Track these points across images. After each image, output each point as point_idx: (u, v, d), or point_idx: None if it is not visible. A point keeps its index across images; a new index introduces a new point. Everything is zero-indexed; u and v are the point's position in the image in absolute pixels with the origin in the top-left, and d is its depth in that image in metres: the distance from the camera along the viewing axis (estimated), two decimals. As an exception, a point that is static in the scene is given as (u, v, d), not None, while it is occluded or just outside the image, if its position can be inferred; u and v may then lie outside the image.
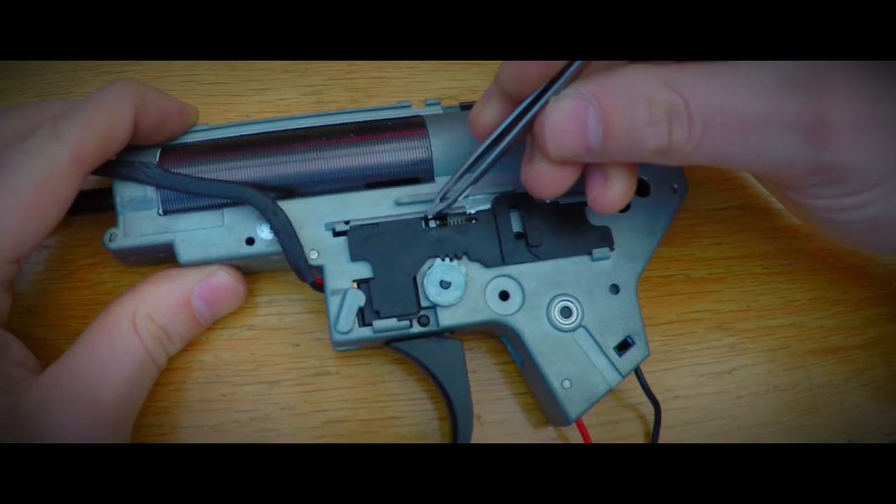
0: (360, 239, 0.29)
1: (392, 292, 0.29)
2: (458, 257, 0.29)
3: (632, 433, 0.32)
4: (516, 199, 0.30)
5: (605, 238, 0.30)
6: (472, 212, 0.30)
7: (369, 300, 0.28)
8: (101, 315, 0.28)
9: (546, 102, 0.25)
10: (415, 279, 0.29)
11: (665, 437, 0.32)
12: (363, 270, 0.29)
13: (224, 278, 0.29)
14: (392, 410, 0.32)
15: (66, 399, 0.25)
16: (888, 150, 0.23)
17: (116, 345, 0.27)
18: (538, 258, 0.30)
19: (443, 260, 0.29)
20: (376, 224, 0.29)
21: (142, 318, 0.27)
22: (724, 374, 0.33)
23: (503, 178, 0.30)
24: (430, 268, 0.29)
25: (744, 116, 0.23)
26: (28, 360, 0.27)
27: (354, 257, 0.29)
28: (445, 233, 0.30)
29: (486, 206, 0.30)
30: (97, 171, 0.28)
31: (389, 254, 0.29)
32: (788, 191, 0.27)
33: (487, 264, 0.29)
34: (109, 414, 0.26)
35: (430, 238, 0.29)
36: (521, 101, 0.26)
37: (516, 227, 0.30)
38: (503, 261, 0.29)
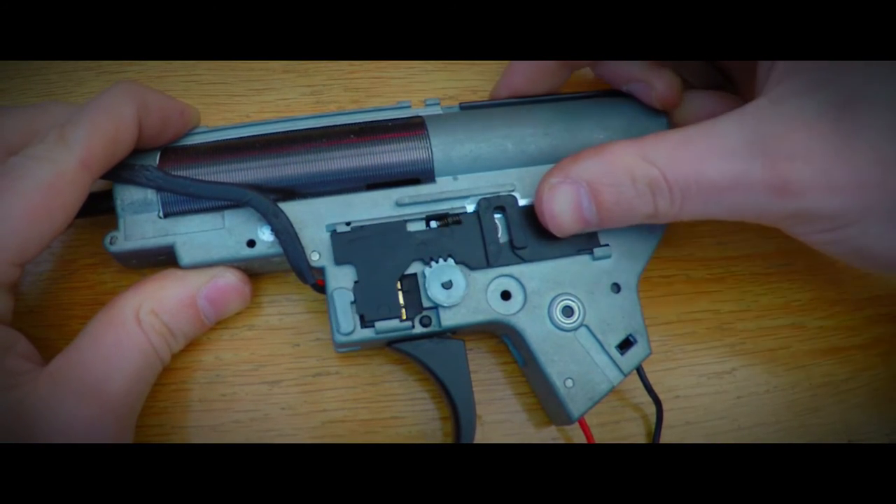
0: (345, 242, 0.29)
1: (376, 295, 0.29)
2: (443, 259, 0.29)
3: (633, 433, 0.32)
4: (501, 202, 0.30)
5: (589, 238, 0.30)
6: (457, 214, 0.30)
7: (354, 303, 0.28)
8: (106, 308, 0.28)
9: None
10: (416, 280, 0.29)
11: (665, 437, 0.32)
12: (348, 273, 0.29)
13: (231, 280, 0.29)
14: (392, 410, 0.32)
15: (73, 390, 0.25)
16: (853, 196, 0.25)
17: (122, 338, 0.27)
18: (523, 260, 0.30)
19: (427, 262, 0.29)
20: (361, 227, 0.29)
21: (146, 313, 0.27)
22: (724, 374, 0.34)
23: (489, 180, 0.30)
24: (431, 268, 0.29)
25: (715, 182, 0.26)
26: (33, 356, 0.27)
27: (339, 261, 0.29)
28: (430, 235, 0.29)
29: (471, 209, 0.30)
30: None
31: (373, 257, 0.29)
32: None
33: (472, 266, 0.29)
34: (116, 406, 0.26)
35: (414, 241, 0.29)
36: None
37: (501, 229, 0.30)
38: (488, 263, 0.29)
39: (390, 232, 0.29)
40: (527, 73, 0.32)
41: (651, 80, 0.31)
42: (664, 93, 0.31)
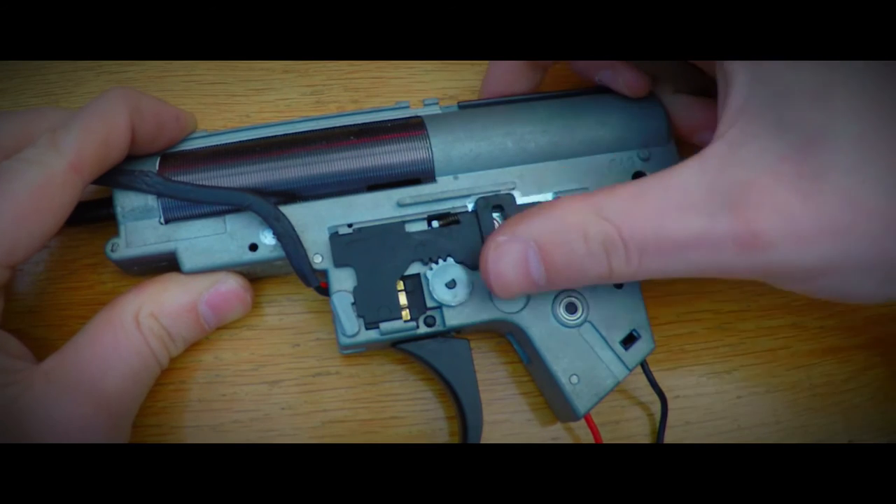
0: (343, 245, 0.29)
1: (376, 297, 0.28)
2: (442, 260, 0.29)
3: (635, 432, 0.32)
4: (499, 200, 0.30)
5: None
6: (456, 214, 0.30)
7: (354, 305, 0.28)
8: (106, 309, 0.28)
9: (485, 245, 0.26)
10: (420, 280, 0.29)
11: (666, 437, 0.32)
12: (349, 276, 0.29)
13: (233, 286, 0.29)
14: (392, 410, 0.32)
15: (69, 389, 0.25)
16: (828, 245, 0.23)
17: (120, 339, 0.27)
18: None
19: (426, 263, 0.29)
20: (360, 229, 0.29)
21: (145, 315, 0.27)
22: (724, 374, 0.34)
23: (489, 178, 0.30)
24: (433, 269, 0.29)
25: (676, 240, 0.24)
26: (26, 356, 0.27)
27: (338, 263, 0.29)
28: (428, 235, 0.29)
29: (470, 208, 0.30)
30: (97, 181, 0.28)
31: (372, 258, 0.29)
32: None
33: (472, 266, 0.29)
34: (110, 407, 0.26)
35: (412, 241, 0.29)
36: None
37: None
38: None
39: (388, 233, 0.29)
40: (499, 75, 0.32)
41: (617, 67, 0.31)
42: (630, 79, 0.31)
